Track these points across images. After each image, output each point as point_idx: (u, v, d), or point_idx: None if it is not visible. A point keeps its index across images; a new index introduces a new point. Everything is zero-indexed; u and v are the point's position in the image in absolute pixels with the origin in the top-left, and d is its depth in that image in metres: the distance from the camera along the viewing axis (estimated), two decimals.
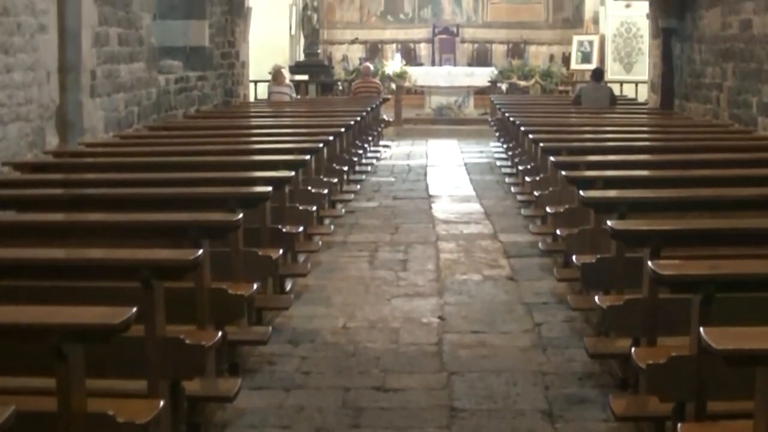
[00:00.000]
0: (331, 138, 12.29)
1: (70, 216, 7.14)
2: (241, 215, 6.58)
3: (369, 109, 18.31)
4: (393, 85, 25.32)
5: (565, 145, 11.18)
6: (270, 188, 7.61)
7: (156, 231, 6.44)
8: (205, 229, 6.16)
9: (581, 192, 7.55)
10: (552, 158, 10.28)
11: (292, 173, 8.82)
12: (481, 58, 32.04)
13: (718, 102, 15.50)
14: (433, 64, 30.85)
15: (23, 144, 10.23)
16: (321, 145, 11.45)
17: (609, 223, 6.28)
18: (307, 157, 10.33)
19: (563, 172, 8.98)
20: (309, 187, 10.31)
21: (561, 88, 26.57)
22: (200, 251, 5.44)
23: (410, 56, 31.30)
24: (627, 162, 9.97)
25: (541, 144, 11.45)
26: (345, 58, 30.62)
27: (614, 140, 12.18)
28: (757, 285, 5.16)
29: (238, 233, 6.77)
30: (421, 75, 26.56)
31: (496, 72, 26.41)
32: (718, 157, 10.26)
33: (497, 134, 19.27)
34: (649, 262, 5.27)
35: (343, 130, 13.74)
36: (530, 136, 12.75)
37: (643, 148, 11.73)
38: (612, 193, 7.73)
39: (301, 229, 8.79)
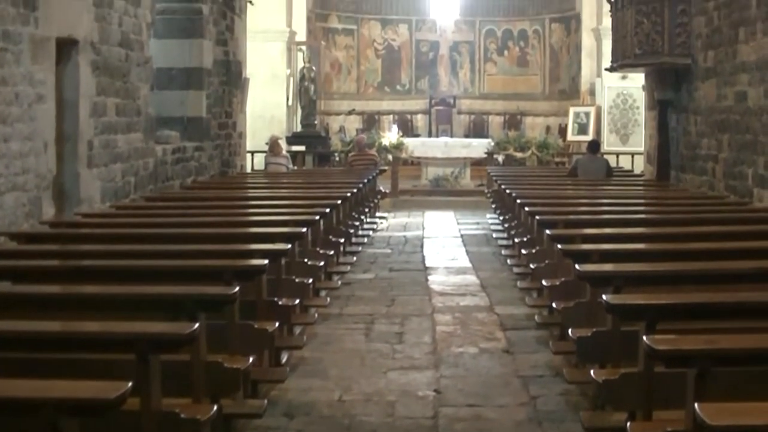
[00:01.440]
0: (327, 210, 12.31)
1: (65, 288, 7.13)
2: (237, 288, 6.57)
3: (365, 180, 18.35)
4: (390, 157, 25.39)
5: (562, 218, 11.20)
6: (266, 261, 7.61)
7: (152, 304, 6.43)
8: (201, 303, 6.15)
9: (577, 266, 7.56)
10: (548, 231, 10.30)
11: (289, 246, 8.83)
12: (477, 129, 32.24)
13: (714, 173, 15.54)
14: (429, 134, 31.03)
15: (20, 214, 10.23)
16: (317, 217, 11.47)
17: (604, 297, 6.29)
18: (304, 229, 10.33)
19: (559, 246, 9.00)
20: (305, 260, 10.32)
21: (557, 159, 26.67)
22: (196, 325, 5.44)
23: (407, 127, 31.47)
24: (623, 235, 9.98)
25: (538, 217, 11.47)
26: (342, 129, 30.81)
27: (610, 213, 12.21)
28: (753, 359, 5.15)
29: (235, 306, 6.76)
30: (417, 146, 26.66)
31: (492, 143, 26.51)
32: (714, 229, 10.28)
33: (494, 206, 19.30)
34: (645, 337, 5.27)
35: (339, 202, 13.76)
36: (526, 208, 12.77)
37: (639, 220, 11.75)
38: (608, 267, 7.73)
39: (297, 301, 8.78)
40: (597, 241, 9.33)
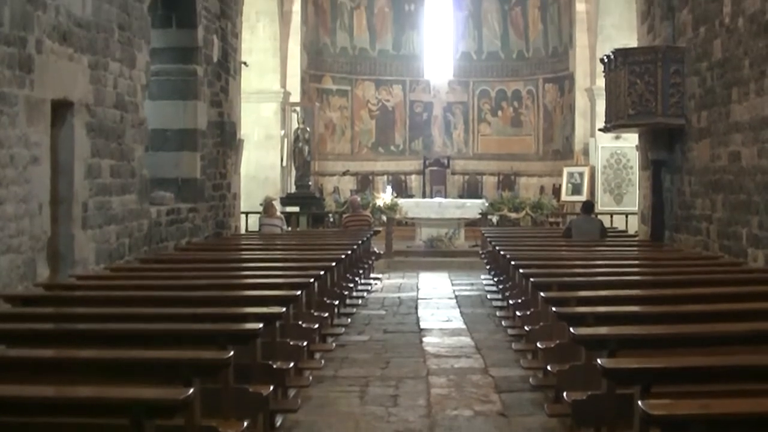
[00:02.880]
0: (321, 272, 12.30)
1: (60, 352, 7.11)
2: (231, 353, 6.55)
3: (360, 242, 18.35)
4: (384, 218, 25.41)
5: (556, 279, 11.18)
6: (261, 325, 7.59)
7: (147, 368, 6.40)
8: (196, 368, 6.13)
9: (572, 329, 7.55)
10: (542, 294, 10.28)
11: (283, 309, 8.81)
12: (471, 190, 32.33)
13: (708, 233, 15.56)
14: (423, 195, 31.11)
15: (14, 276, 10.21)
16: (312, 280, 11.46)
17: (599, 361, 6.27)
18: (298, 292, 10.31)
19: (554, 309, 8.98)
20: (300, 322, 10.30)
21: (552, 219, 26.72)
22: (191, 390, 5.41)
23: (401, 188, 31.56)
24: (617, 297, 9.96)
25: (532, 279, 11.45)
26: (336, 190, 30.88)
27: (605, 274, 12.17)
28: (749, 425, 5.12)
29: (229, 370, 6.74)
30: (411, 207, 26.69)
31: (486, 204, 26.56)
32: (709, 291, 10.26)
33: (488, 267, 19.29)
34: (640, 402, 5.24)
35: (333, 264, 13.76)
36: (521, 270, 12.76)
37: (633, 282, 11.73)
38: (603, 330, 7.72)
39: (291, 364, 8.75)
40: (592, 304, 9.31)
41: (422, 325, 14.92)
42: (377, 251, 22.03)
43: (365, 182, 32.22)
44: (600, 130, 20.73)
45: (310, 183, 28.04)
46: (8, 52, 9.86)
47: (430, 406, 9.75)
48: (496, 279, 17.73)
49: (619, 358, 6.75)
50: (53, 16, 10.99)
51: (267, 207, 20.92)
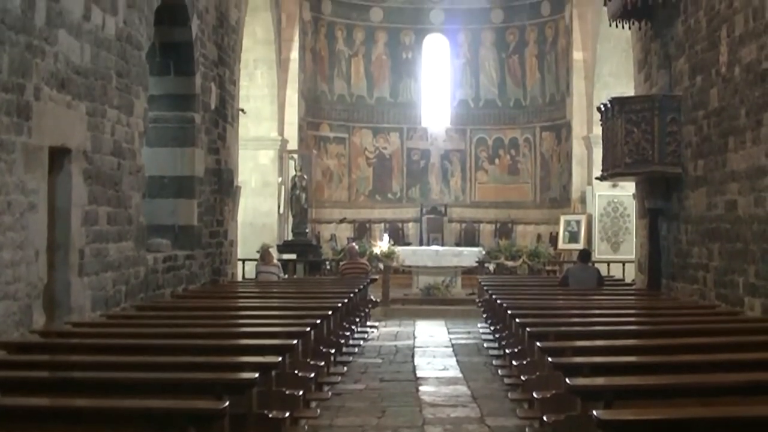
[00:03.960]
0: (318, 321, 12.27)
1: (55, 400, 7.08)
2: (227, 402, 6.53)
3: (356, 290, 18.32)
4: (381, 265, 25.39)
5: (553, 329, 11.16)
6: (257, 374, 7.57)
7: (142, 417, 6.37)
8: (192, 417, 6.11)
9: (567, 379, 7.53)
10: (539, 344, 10.26)
11: (279, 358, 8.78)
12: (468, 237, 32.33)
13: (705, 282, 15.56)
14: (420, 243, 31.10)
15: (10, 323, 10.19)
16: (308, 329, 11.43)
17: (595, 413, 6.24)
18: (294, 341, 10.29)
19: (550, 358, 8.96)
20: (296, 371, 10.26)
21: (548, 267, 26.70)
22: None
23: (398, 235, 31.56)
24: (614, 347, 9.93)
25: (528, 329, 11.43)
26: (333, 237, 30.89)
27: (601, 324, 12.16)
28: None
29: (225, 420, 6.71)
30: (408, 255, 26.68)
31: (483, 252, 26.57)
32: (706, 341, 10.24)
33: (485, 315, 19.25)
34: None
35: (330, 312, 13.74)
36: (517, 320, 12.74)
37: (630, 332, 11.70)
38: (599, 381, 7.70)
39: (287, 413, 8.71)
40: (588, 354, 9.29)
41: (419, 373, 14.86)
42: (374, 299, 21.99)
43: (362, 230, 32.23)
44: (597, 178, 20.76)
45: (307, 230, 28.04)
46: (6, 98, 9.89)
47: None
48: (492, 327, 17.69)
49: (615, 409, 6.73)
50: (52, 63, 11.02)
51: (264, 254, 20.91)
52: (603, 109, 18.56)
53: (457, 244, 31.10)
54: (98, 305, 12.79)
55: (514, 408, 11.70)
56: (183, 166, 17.54)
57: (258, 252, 21.53)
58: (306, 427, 10.09)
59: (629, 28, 19.96)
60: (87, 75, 12.15)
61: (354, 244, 25.48)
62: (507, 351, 14.18)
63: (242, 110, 22.41)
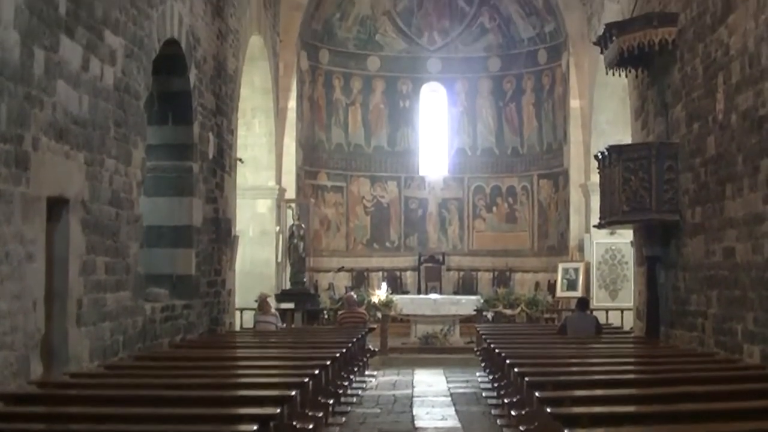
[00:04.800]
0: (316, 371, 12.23)
1: None
2: None
3: (355, 339, 18.28)
4: (379, 314, 25.35)
5: (551, 378, 11.13)
6: (255, 426, 7.55)
7: None
8: None
9: (567, 430, 7.49)
10: (537, 393, 10.23)
11: (278, 410, 8.75)
12: (467, 286, 32.30)
13: (704, 329, 15.53)
14: (419, 291, 31.08)
15: (7, 373, 10.15)
16: (306, 379, 11.40)
17: None
18: (293, 392, 10.25)
19: (548, 409, 8.93)
20: (294, 422, 10.22)
21: (547, 316, 26.67)
22: None
23: (396, 284, 31.53)
24: (613, 397, 9.90)
25: (527, 378, 11.40)
26: (331, 286, 30.84)
27: (600, 373, 12.12)
28: None
29: None
30: (407, 304, 26.64)
31: (481, 300, 26.54)
32: (705, 389, 10.22)
33: (483, 364, 19.21)
34: None
35: (328, 362, 13.70)
36: (515, 369, 12.71)
37: (629, 381, 11.67)
38: (598, 431, 7.66)
39: None
40: (587, 404, 9.26)
41: (417, 423, 14.80)
42: (372, 348, 21.93)
43: (360, 278, 32.20)
44: (595, 226, 20.76)
45: (305, 279, 28.00)
46: (5, 149, 9.90)
47: None
48: (491, 377, 17.65)
49: None
50: (50, 113, 11.05)
51: (262, 303, 20.88)
52: (600, 157, 18.59)
53: (455, 293, 31.05)
54: (96, 355, 12.75)
55: None
56: (181, 215, 17.55)
57: (256, 301, 21.49)
58: None
59: (626, 75, 20.05)
60: (85, 125, 12.17)
61: (352, 293, 25.45)
62: (506, 400, 14.14)
63: (240, 159, 22.45)
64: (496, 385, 16.56)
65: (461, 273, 33.03)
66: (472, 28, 33.76)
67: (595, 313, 19.89)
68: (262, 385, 10.66)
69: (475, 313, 26.07)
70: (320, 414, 12.30)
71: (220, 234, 19.72)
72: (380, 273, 32.46)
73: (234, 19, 21.44)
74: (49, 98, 11.04)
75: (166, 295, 16.71)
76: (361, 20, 33.29)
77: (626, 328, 21.96)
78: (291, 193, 29.58)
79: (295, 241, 27.72)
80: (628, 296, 24.25)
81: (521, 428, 11.15)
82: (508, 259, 32.80)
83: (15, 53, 10.10)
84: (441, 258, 32.64)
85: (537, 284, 31.49)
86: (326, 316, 26.34)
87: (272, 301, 22.88)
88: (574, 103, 29.90)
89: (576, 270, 28.74)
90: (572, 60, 30.10)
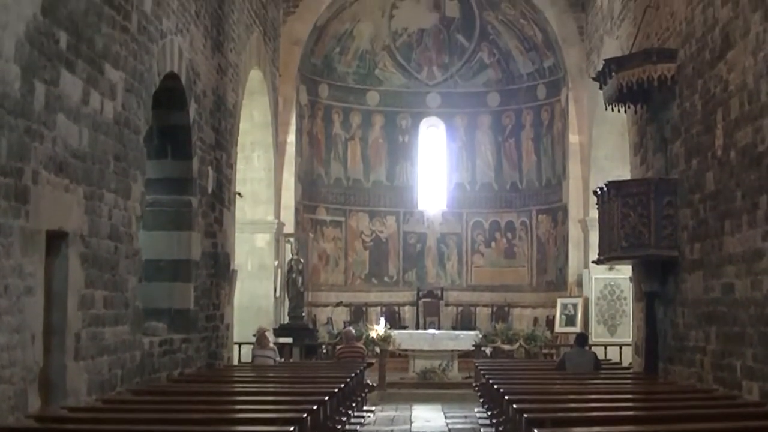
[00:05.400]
0: (314, 407, 12.19)
1: None
2: None
3: (353, 374, 18.24)
4: (377, 349, 25.31)
5: (550, 415, 11.09)
6: None
7: None
8: None
9: None
10: (536, 430, 10.19)
11: None
12: (465, 321, 32.27)
13: (702, 365, 15.49)
14: (417, 326, 31.06)
15: (5, 407, 10.11)
16: (305, 415, 11.35)
17: None
18: (291, 428, 10.21)
19: None
20: None
21: (545, 351, 26.64)
22: None
23: (394, 319, 31.51)
24: None
25: (525, 414, 11.36)
26: (329, 321, 30.80)
27: (599, 409, 12.09)
28: None
29: None
30: (405, 338, 26.63)
31: (480, 336, 26.53)
32: (703, 426, 10.19)
33: (481, 400, 19.16)
34: None
35: (327, 398, 13.65)
36: (514, 405, 12.66)
37: (627, 418, 11.63)
38: None
39: None
40: None
41: None
42: (370, 383, 21.88)
43: (358, 313, 32.15)
44: (594, 262, 20.76)
45: (303, 314, 27.95)
46: (4, 182, 9.90)
47: None
48: (489, 412, 17.60)
49: None
50: (50, 147, 11.06)
51: (260, 338, 20.86)
52: (599, 192, 18.61)
53: (454, 328, 31.03)
54: (94, 389, 12.71)
55: None
56: (179, 249, 17.54)
57: (254, 335, 21.48)
58: None
59: (625, 111, 20.09)
60: (85, 159, 12.18)
61: (350, 327, 25.42)
62: None
63: (239, 194, 22.47)
64: (494, 421, 16.50)
65: (460, 308, 32.99)
66: (472, 63, 33.86)
67: (593, 348, 19.87)
68: (261, 421, 10.62)
69: (473, 348, 26.05)
70: None
71: (219, 268, 19.71)
72: (379, 308, 32.42)
73: (234, 53, 21.51)
74: (49, 132, 11.05)
75: (164, 329, 16.69)
76: (361, 55, 33.39)
77: (625, 363, 21.92)
78: (290, 228, 29.59)
79: (294, 275, 27.70)
80: (627, 332, 24.26)
81: None
82: (507, 294, 32.77)
83: (15, 87, 10.12)
84: (439, 293, 32.61)
85: (535, 320, 31.44)
86: (324, 351, 26.32)
87: (270, 336, 22.83)
88: (573, 139, 29.94)
89: (575, 305, 28.72)
90: (571, 95, 30.17)
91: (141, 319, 15.05)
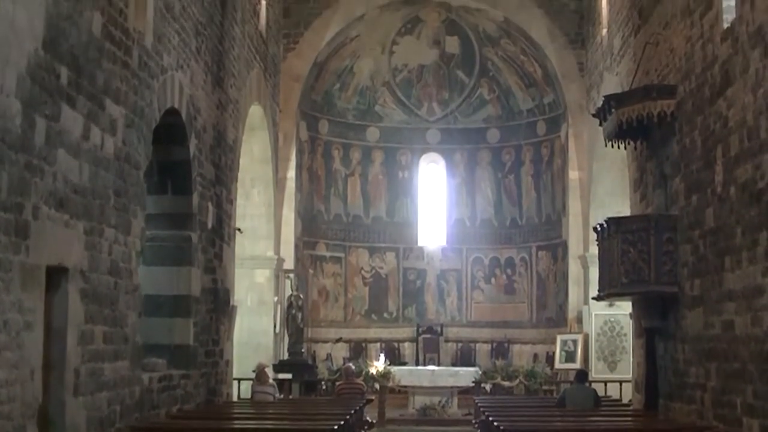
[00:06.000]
0: None
1: None
2: None
3: (353, 410, 18.18)
4: (377, 386, 25.26)
5: None
6: None
7: None
8: None
9: None
10: None
11: None
12: (465, 357, 32.21)
13: (703, 402, 15.45)
14: (417, 363, 31.00)
15: None
16: None
17: None
18: None
19: None
20: None
21: (545, 387, 26.57)
22: None
23: (394, 355, 31.46)
24: None
25: None
26: (329, 357, 30.74)
27: None
28: None
29: None
30: (404, 375, 26.60)
31: (480, 372, 26.48)
32: None
33: None
34: None
35: None
36: None
37: None
38: None
39: None
40: None
41: None
42: (370, 420, 21.81)
43: (358, 349, 32.07)
44: (594, 298, 20.74)
45: (302, 350, 27.90)
46: (5, 218, 9.90)
47: None
48: None
49: None
50: (50, 182, 11.06)
51: (259, 374, 20.81)
52: (599, 229, 18.62)
53: (454, 364, 30.97)
54: (93, 425, 12.67)
55: None
56: (179, 285, 17.53)
57: (254, 371, 21.43)
58: None
59: (624, 147, 20.12)
60: (85, 194, 12.19)
61: (350, 364, 25.38)
62: None
63: (239, 229, 22.47)
64: None
65: (459, 344, 32.91)
66: (472, 99, 33.93)
67: (593, 385, 19.84)
68: None
69: (473, 384, 26.01)
70: None
71: (219, 304, 19.68)
72: (378, 344, 32.35)
73: (234, 89, 21.57)
74: (50, 167, 11.05)
75: (163, 364, 16.64)
76: (361, 91, 33.47)
77: (625, 400, 21.87)
78: (289, 264, 29.57)
79: (294, 311, 27.66)
80: (627, 368, 24.20)
81: None
82: (507, 330, 32.71)
83: (17, 122, 10.13)
84: (439, 329, 32.55)
85: (535, 356, 31.37)
86: (324, 387, 26.26)
87: (270, 372, 22.78)
88: (573, 175, 29.96)
89: (575, 342, 28.66)
90: (571, 131, 30.22)
91: (140, 355, 15.02)
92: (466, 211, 34.26)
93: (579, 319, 29.05)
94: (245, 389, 23.27)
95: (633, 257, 17.23)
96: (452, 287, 33.98)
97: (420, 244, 34.09)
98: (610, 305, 25.69)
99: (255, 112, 25.30)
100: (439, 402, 25.68)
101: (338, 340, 32.02)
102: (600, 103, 19.12)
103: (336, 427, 14.98)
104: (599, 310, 26.85)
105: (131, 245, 14.17)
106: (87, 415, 12.48)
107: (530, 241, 33.16)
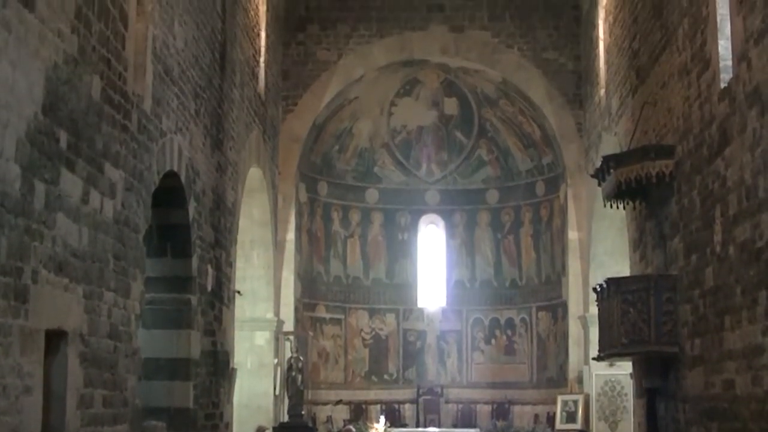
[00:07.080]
0: None
1: None
2: None
3: None
4: None
5: None
6: None
7: None
8: None
9: None
10: None
11: None
12: (465, 418, 32.09)
13: None
14: (417, 424, 30.90)
15: None
16: None
17: None
18: None
19: None
20: None
21: None
22: None
23: (395, 416, 31.34)
24: None
25: None
26: (329, 419, 30.62)
27: None
28: None
29: None
30: None
31: None
32: None
33: None
34: None
35: None
36: None
37: None
38: None
39: None
40: None
41: None
42: None
43: (358, 411, 31.94)
44: (594, 359, 20.70)
45: (303, 412, 27.78)
46: (4, 282, 9.89)
47: None
48: None
49: None
50: (50, 246, 11.06)
51: None
52: (599, 289, 18.62)
53: (454, 425, 30.86)
54: None
55: None
56: (179, 348, 17.48)
57: None
58: None
59: (624, 207, 20.16)
60: (84, 258, 12.19)
61: (351, 426, 25.29)
62: None
63: (238, 292, 22.45)
64: None
65: (460, 405, 32.78)
66: (471, 161, 34.02)
67: None
68: None
69: None
70: None
71: (218, 366, 19.62)
72: (378, 405, 32.21)
73: (233, 151, 21.64)
74: (49, 231, 11.06)
75: (163, 428, 16.56)
76: (360, 153, 33.57)
77: None
78: (289, 326, 29.52)
79: (294, 373, 27.58)
80: (628, 428, 24.13)
81: None
82: (507, 391, 32.59)
83: (16, 186, 10.15)
84: (440, 390, 32.44)
85: (536, 416, 31.25)
86: None
87: None
88: (573, 235, 29.98)
89: (575, 402, 28.57)
90: (570, 192, 30.27)
91: (140, 418, 14.95)
92: (465, 272, 34.24)
93: (580, 380, 28.98)
94: None
95: (633, 317, 17.23)
96: (452, 348, 33.89)
97: (420, 305, 34.05)
98: (611, 365, 25.63)
99: (254, 175, 25.36)
100: None
101: (338, 402, 31.89)
102: (599, 164, 19.18)
103: None
104: (600, 370, 26.79)
105: (131, 308, 14.15)
106: None
107: (530, 301, 33.12)
